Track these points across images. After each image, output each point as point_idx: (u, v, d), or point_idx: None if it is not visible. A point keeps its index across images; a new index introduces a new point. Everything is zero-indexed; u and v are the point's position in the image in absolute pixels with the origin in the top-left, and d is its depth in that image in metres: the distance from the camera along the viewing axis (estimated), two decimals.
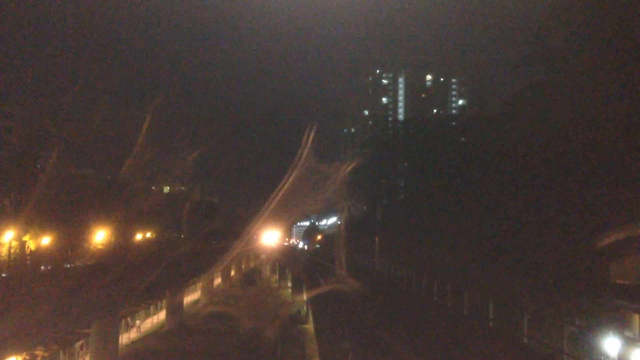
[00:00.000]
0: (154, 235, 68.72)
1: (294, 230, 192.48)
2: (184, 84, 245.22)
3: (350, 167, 61.61)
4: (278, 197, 48.57)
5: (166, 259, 46.98)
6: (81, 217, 39.91)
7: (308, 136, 47.09)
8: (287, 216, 62.74)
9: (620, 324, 23.51)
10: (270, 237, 73.15)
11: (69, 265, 40.57)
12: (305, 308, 55.39)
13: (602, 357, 22.56)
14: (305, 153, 47.63)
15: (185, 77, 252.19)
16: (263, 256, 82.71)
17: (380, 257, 64.31)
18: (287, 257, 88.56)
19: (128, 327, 51.34)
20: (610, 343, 20.87)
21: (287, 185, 47.91)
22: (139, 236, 61.97)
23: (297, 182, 49.29)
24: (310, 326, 45.12)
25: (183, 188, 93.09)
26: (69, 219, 38.38)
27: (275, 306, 52.18)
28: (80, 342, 42.13)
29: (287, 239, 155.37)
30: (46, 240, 40.80)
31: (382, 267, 61.55)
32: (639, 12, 29.36)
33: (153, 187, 76.98)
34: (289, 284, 79.81)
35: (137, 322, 53.35)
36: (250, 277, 74.88)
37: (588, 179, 33.64)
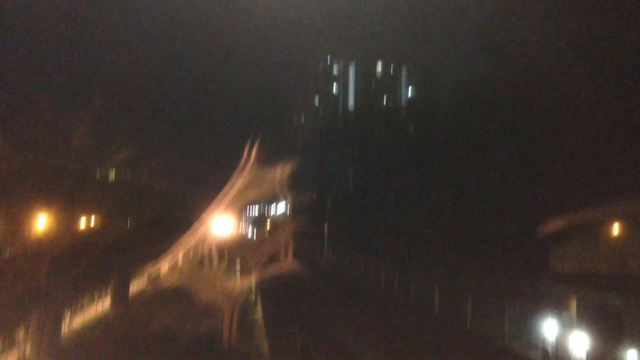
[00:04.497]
0: (99, 223, 67.05)
1: (243, 217, 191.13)
2: (131, 65, 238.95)
3: (287, 169, 62.60)
4: (225, 198, 48.93)
5: (111, 246, 46.02)
6: (20, 203, 38.55)
7: (250, 150, 47.46)
8: (234, 206, 62.69)
9: (559, 308, 24.37)
10: (220, 226, 72.42)
11: (8, 250, 39.23)
12: (253, 294, 55.34)
13: (541, 341, 23.37)
14: (249, 166, 48.10)
15: (130, 57, 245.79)
16: (212, 245, 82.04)
17: (329, 245, 64.68)
18: (236, 245, 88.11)
19: (71, 316, 50.08)
20: (549, 327, 21.63)
21: (232, 191, 48.36)
22: (82, 223, 60.39)
23: (241, 186, 49.84)
24: (258, 313, 45.11)
25: (127, 172, 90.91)
26: (7, 205, 37.01)
27: (224, 291, 52.04)
28: (21, 331, 40.88)
29: (238, 228, 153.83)
30: None
31: (331, 255, 61.93)
32: (585, 3, 30.21)
33: (97, 175, 74.99)
34: (237, 270, 79.51)
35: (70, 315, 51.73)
36: (200, 263, 74.32)
37: (531, 169, 34.63)
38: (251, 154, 47.30)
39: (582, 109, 30.14)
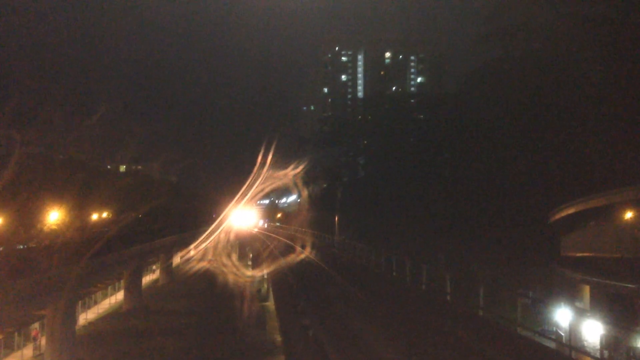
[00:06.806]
0: (110, 216, 67.49)
1: (256, 210, 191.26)
2: (147, 61, 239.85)
3: (300, 168, 63.67)
4: (239, 194, 50.06)
5: (123, 238, 46.34)
6: (34, 197, 38.87)
7: (266, 154, 48.61)
8: (247, 201, 63.76)
9: (571, 295, 24.25)
10: (233, 219, 73.21)
11: (22, 247, 39.57)
12: (265, 286, 55.52)
13: (554, 328, 23.31)
14: (263, 171, 49.11)
15: (146, 55, 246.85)
16: (225, 237, 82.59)
17: (340, 234, 64.71)
18: (248, 237, 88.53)
19: (85, 309, 50.54)
20: (562, 314, 21.55)
21: (246, 188, 49.54)
22: (94, 216, 60.84)
23: (255, 184, 51.16)
24: (271, 304, 45.25)
25: (140, 167, 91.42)
26: (21, 199, 37.33)
27: (237, 282, 52.55)
28: (37, 324, 41.31)
29: (250, 221, 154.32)
30: None
31: (342, 244, 62.01)
32: None
33: (109, 167, 75.31)
34: (249, 262, 79.90)
35: (79, 315, 52.32)
36: (214, 255, 74.96)
37: (541, 156, 34.40)
38: (266, 158, 48.03)
39: (593, 94, 29.85)
